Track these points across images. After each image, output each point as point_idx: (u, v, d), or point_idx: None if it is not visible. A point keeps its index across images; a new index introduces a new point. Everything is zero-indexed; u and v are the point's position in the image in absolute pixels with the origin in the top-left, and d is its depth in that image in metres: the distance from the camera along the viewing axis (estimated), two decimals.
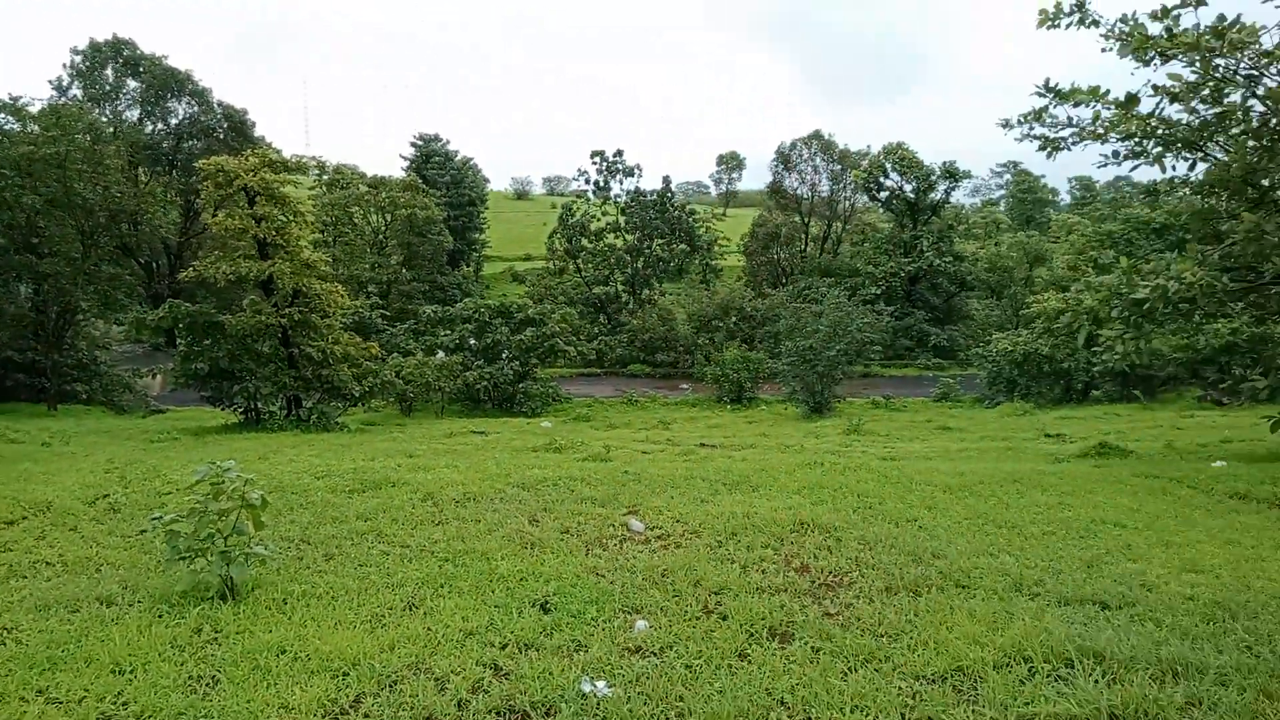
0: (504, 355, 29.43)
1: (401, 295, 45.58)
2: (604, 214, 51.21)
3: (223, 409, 20.04)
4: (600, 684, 3.73)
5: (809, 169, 55.38)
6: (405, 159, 60.60)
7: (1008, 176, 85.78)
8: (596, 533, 6.26)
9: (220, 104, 46.89)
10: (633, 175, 51.53)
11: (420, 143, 60.69)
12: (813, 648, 4.14)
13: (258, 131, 47.86)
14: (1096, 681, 3.68)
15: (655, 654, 4.08)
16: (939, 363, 44.46)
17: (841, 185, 55.11)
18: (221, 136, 45.26)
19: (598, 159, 51.52)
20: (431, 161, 59.10)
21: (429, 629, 4.35)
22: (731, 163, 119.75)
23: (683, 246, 51.41)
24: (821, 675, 3.81)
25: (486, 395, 28.71)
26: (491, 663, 3.97)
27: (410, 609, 4.69)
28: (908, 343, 46.41)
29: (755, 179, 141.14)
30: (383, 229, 49.23)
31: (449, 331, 30.93)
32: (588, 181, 52.16)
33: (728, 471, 8.71)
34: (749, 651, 4.11)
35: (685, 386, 37.10)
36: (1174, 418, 21.15)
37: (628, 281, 50.50)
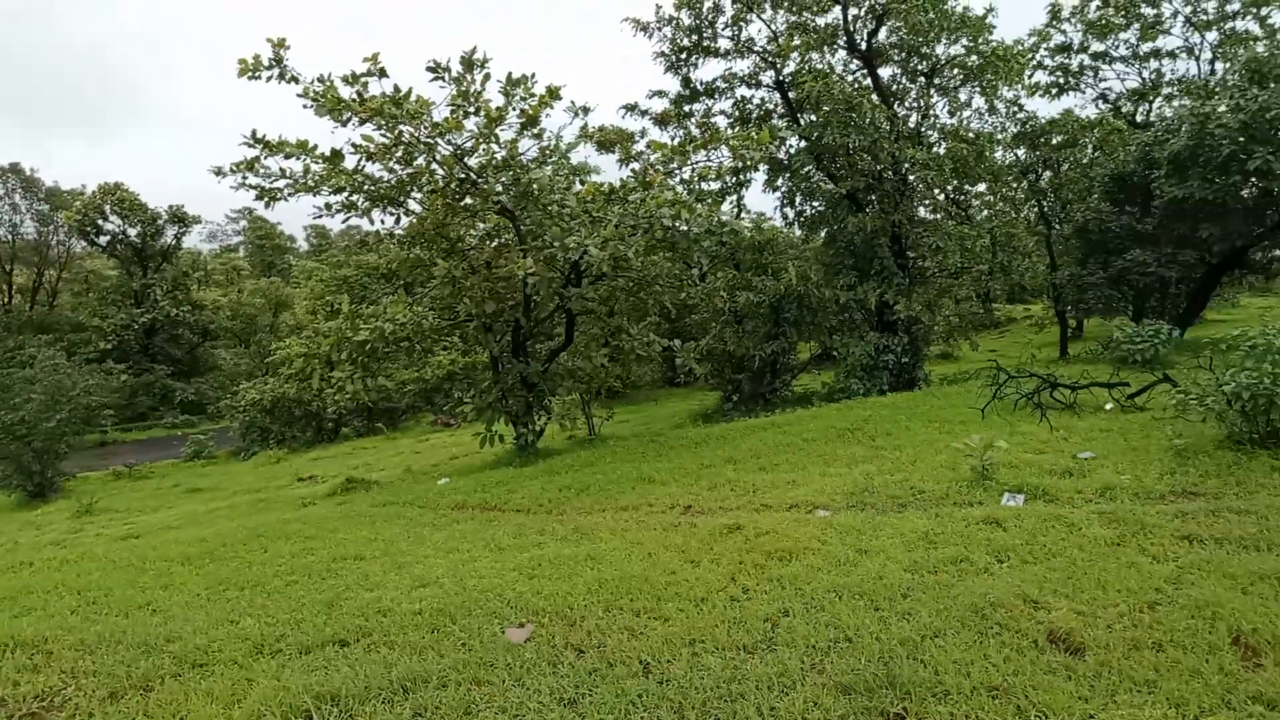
0: None
1: None
2: None
3: None
4: None
5: (7, 207, 46.50)
6: None
7: (244, 223, 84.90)
8: None
9: None
10: None
11: None
12: None
13: None
14: None
15: None
16: (189, 419, 41.52)
17: (52, 228, 47.58)
18: None
19: None
20: None
21: None
22: None
23: None
24: None
25: None
26: None
27: None
28: (150, 402, 42.36)
29: None
30: None
31: None
32: None
33: None
34: None
35: None
36: (413, 443, 23.61)
37: None
